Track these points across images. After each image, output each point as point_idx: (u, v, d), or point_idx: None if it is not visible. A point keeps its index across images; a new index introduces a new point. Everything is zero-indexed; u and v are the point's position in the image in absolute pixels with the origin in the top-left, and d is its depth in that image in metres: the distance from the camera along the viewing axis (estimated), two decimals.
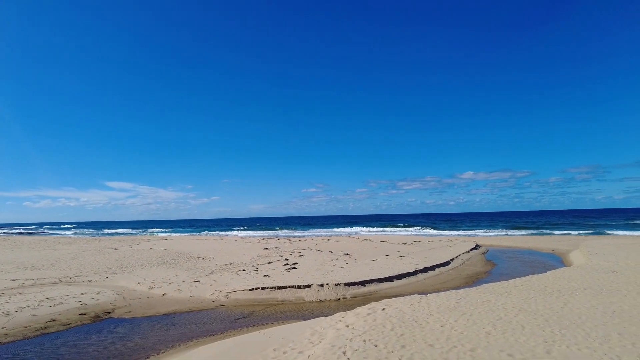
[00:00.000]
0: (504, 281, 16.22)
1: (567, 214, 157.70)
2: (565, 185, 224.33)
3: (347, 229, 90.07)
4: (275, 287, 18.32)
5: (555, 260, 28.81)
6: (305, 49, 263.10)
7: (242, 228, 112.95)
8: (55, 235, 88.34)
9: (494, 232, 66.25)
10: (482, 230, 71.15)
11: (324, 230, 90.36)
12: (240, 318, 15.10)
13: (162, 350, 11.40)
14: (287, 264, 25.00)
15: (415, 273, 21.83)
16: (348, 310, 12.92)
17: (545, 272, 24.20)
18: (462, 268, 25.39)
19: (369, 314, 11.28)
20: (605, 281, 15.43)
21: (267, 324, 14.02)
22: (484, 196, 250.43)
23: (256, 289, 18.29)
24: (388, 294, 18.31)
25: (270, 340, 10.44)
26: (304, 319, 14.08)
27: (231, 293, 18.13)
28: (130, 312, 16.08)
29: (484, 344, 8.23)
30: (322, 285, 18.57)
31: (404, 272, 21.34)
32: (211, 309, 16.54)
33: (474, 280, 21.27)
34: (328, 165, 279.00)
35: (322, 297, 17.63)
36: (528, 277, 17.25)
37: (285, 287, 18.40)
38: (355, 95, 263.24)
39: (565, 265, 25.94)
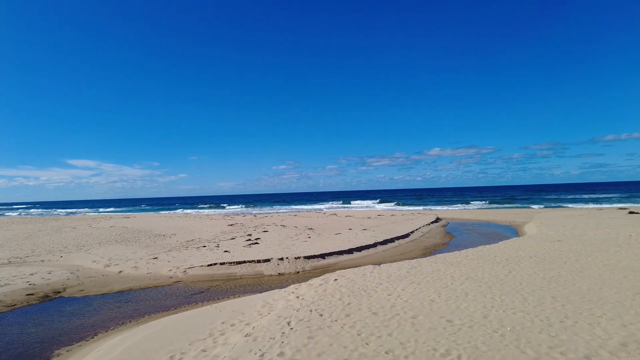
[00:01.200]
0: (457, 251, 16.76)
1: (528, 188, 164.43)
2: (527, 161, 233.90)
3: (317, 206, 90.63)
4: (234, 262, 18.22)
5: (511, 232, 30.06)
6: (275, 35, 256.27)
7: (209, 205, 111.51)
8: (2, 216, 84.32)
9: (456, 206, 68.38)
10: (445, 205, 73.29)
11: (294, 207, 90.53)
12: (196, 293, 14.98)
13: (111, 327, 11.15)
14: (250, 240, 24.89)
15: (374, 245, 22.22)
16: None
17: (498, 242, 25.26)
18: (421, 240, 26.07)
19: (320, 285, 11.38)
20: (549, 250, 16.21)
21: (222, 298, 13.98)
22: (450, 172, 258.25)
23: (214, 264, 18.15)
24: (346, 266, 18.55)
25: (220, 314, 10.39)
26: (261, 292, 14.16)
27: (189, 269, 17.93)
28: (82, 290, 15.64)
29: (427, 310, 8.46)
30: (281, 259, 18.62)
31: (363, 245, 21.68)
32: (168, 285, 16.33)
33: (431, 252, 21.88)
34: (299, 142, 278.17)
35: (282, 271, 17.70)
36: (480, 247, 17.88)
37: (244, 261, 18.34)
38: (326, 75, 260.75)
39: (519, 237, 27.09)
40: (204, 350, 7.65)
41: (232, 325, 9.17)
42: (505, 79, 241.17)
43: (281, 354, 6.46)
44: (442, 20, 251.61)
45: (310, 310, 8.76)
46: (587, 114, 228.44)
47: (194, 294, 14.87)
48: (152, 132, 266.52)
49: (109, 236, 30.51)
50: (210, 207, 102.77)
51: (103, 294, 15.20)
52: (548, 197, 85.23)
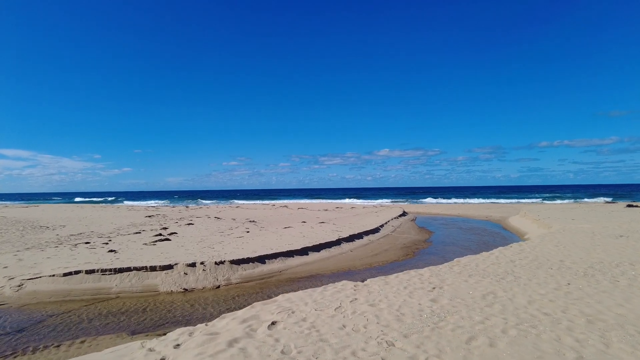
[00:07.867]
0: (485, 253, 10.41)
1: (475, 189, 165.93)
2: (470, 164, 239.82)
3: (269, 201, 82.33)
4: (110, 270, 10.78)
5: (496, 227, 24.67)
6: (232, 32, 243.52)
7: (155, 200, 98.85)
8: None
9: (415, 202, 63.74)
10: (404, 200, 68.68)
11: (245, 202, 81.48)
12: (8, 334, 7.56)
13: None
14: (160, 234, 17.39)
15: (338, 242, 15.60)
16: (224, 309, 6.07)
17: (492, 238, 19.53)
18: (394, 236, 19.84)
19: (229, 345, 4.49)
20: (632, 251, 10.27)
21: (42, 348, 6.72)
22: (398, 172, 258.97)
23: (77, 272, 10.61)
24: (299, 274, 11.87)
25: None
26: (133, 333, 7.36)
27: (29, 281, 10.29)
28: None
29: None
30: (192, 264, 11.42)
31: (323, 242, 14.99)
32: None
33: (414, 251, 15.66)
34: (250, 138, 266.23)
35: (190, 285, 10.57)
36: (514, 245, 11.69)
37: (129, 269, 10.94)
38: (278, 74, 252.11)
39: (507, 232, 21.80)
40: None
41: None
42: (450, 84, 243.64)
43: None
44: (395, 20, 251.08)
45: None
46: (526, 119, 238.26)
47: None
48: (92, 122, 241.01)
49: None
50: (157, 201, 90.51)
51: None
52: (497, 196, 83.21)
